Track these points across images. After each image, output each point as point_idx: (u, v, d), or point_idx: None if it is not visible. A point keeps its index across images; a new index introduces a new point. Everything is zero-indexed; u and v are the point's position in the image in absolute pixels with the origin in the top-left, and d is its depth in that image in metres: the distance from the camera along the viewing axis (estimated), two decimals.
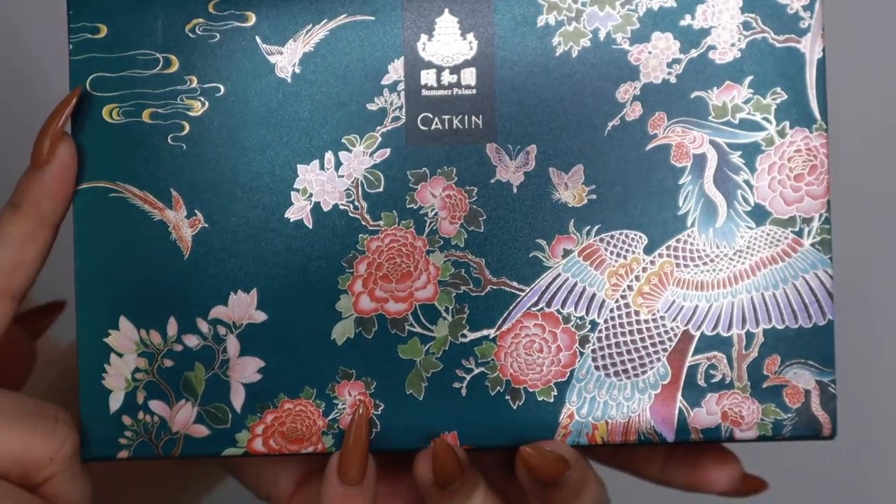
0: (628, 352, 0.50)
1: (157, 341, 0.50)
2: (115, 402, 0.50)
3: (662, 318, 0.50)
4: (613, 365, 0.50)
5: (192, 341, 0.50)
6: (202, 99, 0.50)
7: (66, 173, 0.49)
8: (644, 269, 0.50)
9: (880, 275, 0.79)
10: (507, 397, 0.50)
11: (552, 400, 0.50)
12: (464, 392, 0.50)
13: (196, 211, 0.50)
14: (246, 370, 0.50)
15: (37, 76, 0.76)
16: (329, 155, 0.50)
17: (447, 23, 0.50)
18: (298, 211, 0.50)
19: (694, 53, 0.50)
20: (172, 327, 0.50)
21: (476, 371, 0.50)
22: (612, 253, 0.50)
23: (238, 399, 0.50)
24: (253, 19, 0.50)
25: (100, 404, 0.50)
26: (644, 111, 0.50)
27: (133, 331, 0.50)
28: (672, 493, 0.56)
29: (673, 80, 0.50)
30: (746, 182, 0.50)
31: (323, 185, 0.50)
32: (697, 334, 0.50)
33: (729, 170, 0.50)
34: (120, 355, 0.50)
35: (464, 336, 0.50)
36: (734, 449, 0.54)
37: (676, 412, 0.50)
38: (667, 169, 0.50)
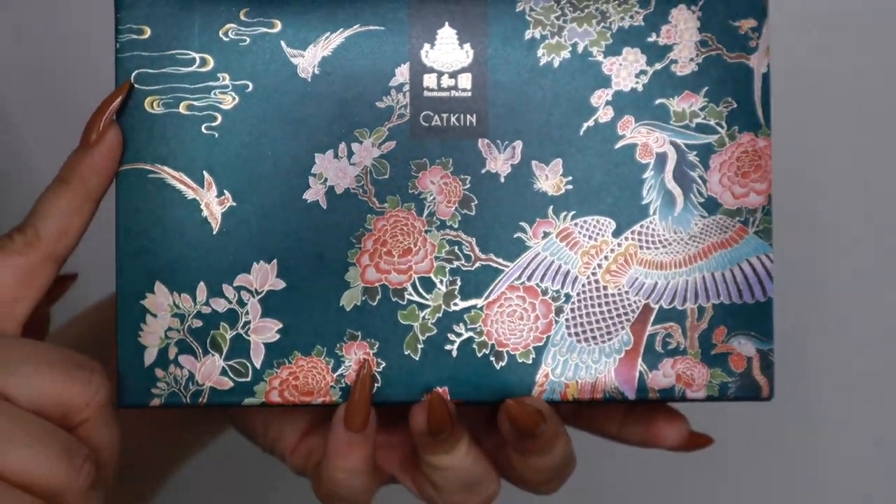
0: (597, 321, 0.58)
1: (187, 304, 0.57)
2: (150, 357, 0.57)
3: (627, 292, 0.58)
4: (584, 332, 0.58)
5: (219, 304, 0.57)
6: (233, 94, 0.57)
7: (112, 155, 0.56)
8: (612, 251, 0.58)
9: (814, 259, 0.87)
10: (492, 358, 0.58)
11: (530, 362, 0.58)
12: (454, 353, 0.58)
13: (225, 191, 0.57)
14: (265, 330, 0.57)
15: (91, 71, 0.82)
16: (343, 145, 0.57)
17: (447, 34, 0.57)
18: (315, 193, 0.57)
19: (658, 66, 0.58)
20: (202, 292, 0.57)
21: (465, 335, 0.58)
22: (584, 236, 0.58)
23: (258, 356, 0.57)
24: (279, 26, 0.57)
25: (136, 358, 0.57)
26: (614, 114, 0.58)
27: (167, 294, 0.57)
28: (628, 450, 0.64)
29: (640, 88, 0.58)
30: (701, 177, 0.58)
31: (337, 171, 0.57)
32: (656, 307, 0.58)
33: (686, 166, 0.58)
34: (154, 315, 0.57)
35: (455, 304, 0.58)
36: (683, 410, 0.62)
37: (637, 374, 0.58)
38: (633, 164, 0.58)
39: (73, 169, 0.56)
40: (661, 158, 0.58)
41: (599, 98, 0.58)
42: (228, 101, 0.57)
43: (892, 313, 0.88)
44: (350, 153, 0.57)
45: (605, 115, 0.58)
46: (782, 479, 0.90)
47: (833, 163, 0.87)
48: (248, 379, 0.57)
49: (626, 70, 0.58)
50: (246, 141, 0.57)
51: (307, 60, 0.57)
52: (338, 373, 0.57)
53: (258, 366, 0.57)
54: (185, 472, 0.74)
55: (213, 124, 0.57)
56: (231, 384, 0.57)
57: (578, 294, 0.58)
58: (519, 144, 0.57)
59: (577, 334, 0.58)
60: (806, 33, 0.84)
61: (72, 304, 0.71)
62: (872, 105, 0.86)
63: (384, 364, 0.57)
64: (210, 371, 0.57)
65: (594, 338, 0.58)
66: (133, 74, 0.57)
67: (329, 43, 0.57)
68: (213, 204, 0.57)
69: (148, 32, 0.57)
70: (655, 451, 0.62)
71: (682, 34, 0.58)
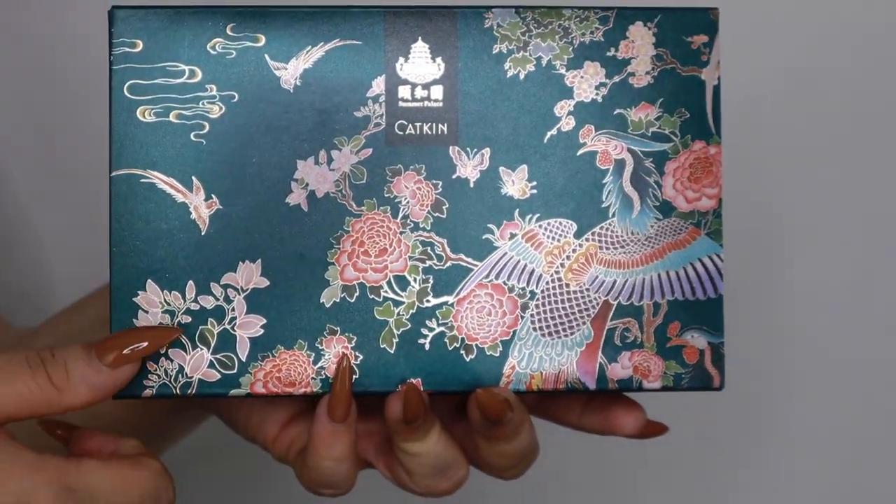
0: (560, 317, 0.62)
1: (177, 301, 0.61)
2: None
3: (588, 290, 0.62)
4: (548, 327, 0.62)
5: (207, 301, 0.61)
6: (220, 104, 0.61)
7: (111, 386, 0.58)
8: (574, 251, 0.62)
9: (763, 258, 0.91)
10: (462, 351, 0.62)
11: (498, 354, 0.62)
12: (427, 347, 0.62)
13: (212, 195, 0.61)
14: (250, 326, 0.61)
15: (83, 82, 0.85)
16: (323, 152, 0.61)
17: (420, 49, 0.61)
18: (297, 197, 0.61)
19: (617, 79, 0.62)
20: (191, 290, 0.61)
21: (437, 330, 0.62)
22: (548, 237, 0.62)
23: (243, 349, 0.61)
24: (263, 40, 0.61)
25: None
26: (576, 124, 0.62)
27: (158, 292, 0.61)
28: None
29: (600, 99, 0.62)
30: (656, 182, 0.62)
31: (317, 176, 0.61)
32: (615, 304, 0.62)
33: (643, 172, 0.62)
34: (146, 312, 0.61)
35: (428, 301, 0.62)
36: (640, 400, 0.66)
37: (597, 366, 0.62)
38: (594, 170, 0.62)
39: (65, 362, 0.57)
40: (620, 165, 0.62)
41: (562, 108, 0.62)
42: (216, 111, 0.61)
43: (846, 308, 0.92)
44: (330, 159, 0.61)
45: (567, 124, 0.62)
46: (735, 470, 0.95)
47: (784, 165, 0.91)
48: (234, 371, 0.61)
49: (587, 82, 0.62)
50: (232, 148, 0.61)
51: (289, 73, 0.61)
52: (318, 365, 0.61)
53: (244, 359, 0.61)
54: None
55: (202, 132, 0.61)
56: (218, 376, 0.61)
57: (543, 291, 0.62)
58: (487, 151, 0.61)
59: (541, 329, 0.62)
60: (754, 47, 0.89)
61: (66, 300, 0.74)
62: (827, 108, 0.91)
63: (361, 357, 0.61)
64: (198, 364, 0.61)
65: (557, 332, 0.62)
66: (125, 85, 0.61)
67: (310, 56, 0.61)
68: (201, 207, 0.61)
69: (140, 46, 0.61)
70: (614, 440, 0.66)
71: (639, 49, 0.62)
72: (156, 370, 0.61)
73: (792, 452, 0.94)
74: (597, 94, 0.62)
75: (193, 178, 0.61)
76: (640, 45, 0.62)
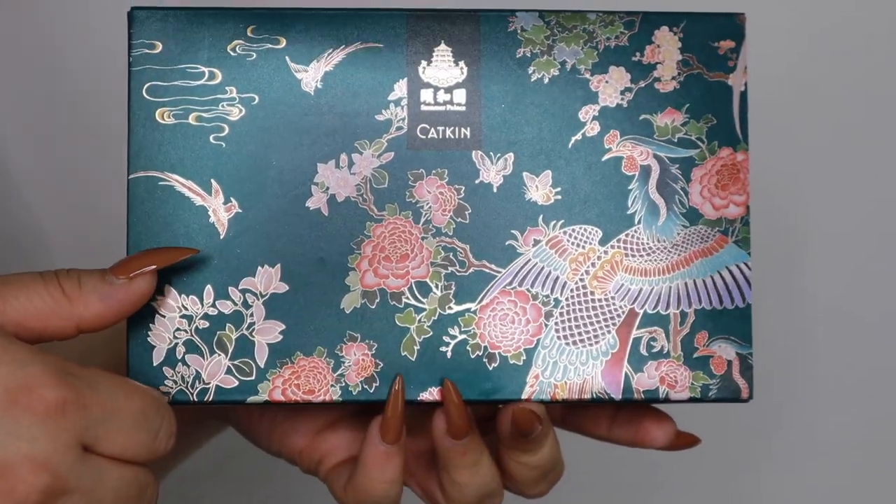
0: (584, 325, 0.61)
1: (195, 306, 0.60)
2: (158, 356, 0.60)
3: (613, 298, 0.61)
4: (572, 335, 0.61)
5: (225, 307, 0.60)
6: (240, 106, 0.60)
7: (124, 299, 0.57)
8: (599, 258, 0.61)
9: (792, 267, 0.90)
10: (485, 360, 0.60)
11: (521, 363, 0.61)
12: (449, 355, 0.60)
13: (231, 198, 0.60)
14: (269, 332, 0.60)
15: (95, 82, 0.85)
16: (343, 156, 0.60)
17: (443, 52, 0.61)
18: (317, 201, 0.60)
19: (642, 84, 0.61)
20: (209, 294, 0.60)
21: (459, 337, 0.61)
22: (573, 243, 0.61)
23: (262, 355, 0.60)
24: (284, 42, 0.60)
25: (145, 357, 0.59)
26: (601, 129, 0.61)
27: (176, 297, 0.60)
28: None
29: (625, 104, 0.61)
30: (683, 189, 0.61)
31: (338, 180, 0.60)
32: (641, 312, 0.61)
33: (669, 179, 0.61)
34: (164, 317, 0.60)
35: (450, 308, 0.61)
36: (670, 412, 0.64)
37: (623, 376, 0.61)
38: (619, 176, 0.61)
39: (82, 283, 0.57)
40: (645, 171, 0.61)
41: (587, 113, 0.61)
42: (235, 113, 0.60)
43: (872, 316, 0.92)
44: (351, 163, 0.60)
45: (592, 129, 0.61)
46: (764, 479, 0.93)
47: (813, 174, 0.90)
48: (253, 378, 0.60)
49: (612, 87, 0.61)
50: (252, 151, 0.60)
51: (310, 75, 0.60)
52: (338, 372, 0.60)
53: (262, 365, 0.60)
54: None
55: (221, 135, 0.60)
56: (236, 382, 0.60)
57: (567, 299, 0.61)
58: (511, 156, 0.60)
59: (565, 337, 0.61)
60: (782, 52, 0.88)
61: None
62: (851, 116, 0.90)
63: (382, 364, 0.60)
64: (216, 370, 0.60)
65: (582, 341, 0.61)
66: (145, 87, 0.60)
67: (331, 59, 0.60)
68: (220, 210, 0.60)
69: (160, 47, 0.60)
70: (643, 451, 0.65)
71: (665, 54, 0.61)
72: (172, 375, 0.59)
73: (816, 461, 0.92)
74: (622, 98, 0.61)
75: (212, 180, 0.60)
76: (665, 49, 0.61)
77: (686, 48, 0.61)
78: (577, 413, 0.66)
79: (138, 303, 0.57)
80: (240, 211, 0.60)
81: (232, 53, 0.60)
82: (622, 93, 0.61)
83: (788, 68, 0.88)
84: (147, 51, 0.60)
